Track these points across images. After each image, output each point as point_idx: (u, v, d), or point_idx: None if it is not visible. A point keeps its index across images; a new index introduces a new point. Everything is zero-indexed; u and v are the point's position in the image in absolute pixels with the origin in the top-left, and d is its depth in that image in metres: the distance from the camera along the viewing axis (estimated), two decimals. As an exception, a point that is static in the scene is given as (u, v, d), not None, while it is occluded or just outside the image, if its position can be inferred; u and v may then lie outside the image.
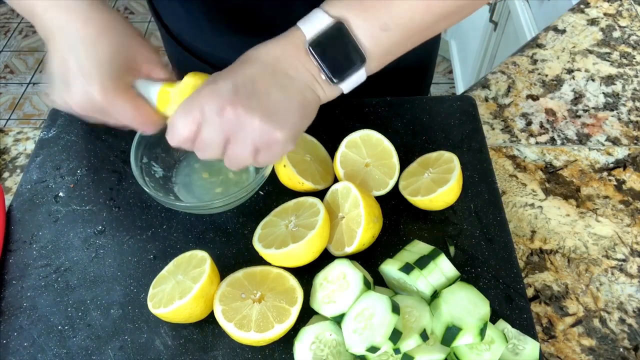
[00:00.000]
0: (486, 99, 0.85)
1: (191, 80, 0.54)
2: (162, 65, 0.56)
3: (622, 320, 0.62)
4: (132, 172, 0.64)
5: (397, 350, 0.52)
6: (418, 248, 0.60)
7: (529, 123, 0.82)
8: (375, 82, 0.85)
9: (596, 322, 0.62)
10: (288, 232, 0.60)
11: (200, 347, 0.58)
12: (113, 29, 0.53)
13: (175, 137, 0.52)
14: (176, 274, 0.58)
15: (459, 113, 0.77)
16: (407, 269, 0.56)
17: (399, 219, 0.67)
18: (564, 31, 0.95)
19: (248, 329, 0.54)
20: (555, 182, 0.74)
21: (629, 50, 0.92)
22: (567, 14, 0.99)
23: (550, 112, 0.83)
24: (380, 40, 0.52)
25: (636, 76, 0.88)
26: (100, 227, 0.67)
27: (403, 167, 0.69)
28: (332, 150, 0.70)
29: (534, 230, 0.69)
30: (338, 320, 0.55)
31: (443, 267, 0.57)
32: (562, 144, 0.79)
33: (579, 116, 0.82)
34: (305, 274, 0.61)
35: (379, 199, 0.66)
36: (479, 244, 0.64)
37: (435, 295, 0.56)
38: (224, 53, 0.79)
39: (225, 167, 0.70)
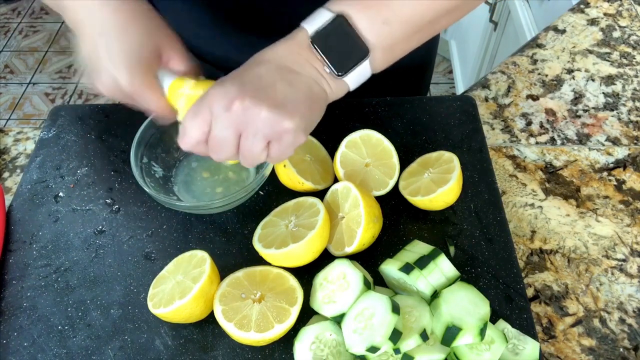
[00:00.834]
0: (486, 99, 0.85)
1: (200, 88, 0.55)
2: (184, 57, 0.57)
3: (622, 320, 0.62)
4: (132, 172, 0.64)
5: (397, 350, 0.52)
6: (418, 248, 0.60)
7: (529, 123, 0.82)
8: (375, 82, 0.85)
9: (596, 322, 0.62)
10: (288, 232, 0.60)
11: (200, 347, 0.58)
12: (142, 18, 0.54)
13: (187, 140, 0.52)
14: (176, 274, 0.58)
15: (459, 113, 0.77)
16: (407, 269, 0.56)
17: (399, 219, 0.67)
18: (564, 31, 0.95)
19: (248, 329, 0.54)
20: (555, 182, 0.74)
21: (629, 50, 0.92)
22: (567, 14, 0.99)
23: (550, 112, 0.83)
24: (382, 33, 0.52)
25: (636, 76, 0.88)
26: (100, 227, 0.67)
27: (403, 167, 0.69)
28: (332, 150, 0.70)
29: (534, 230, 0.69)
30: (338, 320, 0.55)
31: (443, 267, 0.57)
32: (562, 144, 0.79)
33: (579, 116, 0.82)
34: (305, 274, 0.61)
35: (379, 199, 0.66)
36: (479, 244, 0.64)
37: (435, 295, 0.56)
38: (225, 52, 0.79)
39: (225, 166, 0.71)
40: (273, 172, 0.68)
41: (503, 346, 0.53)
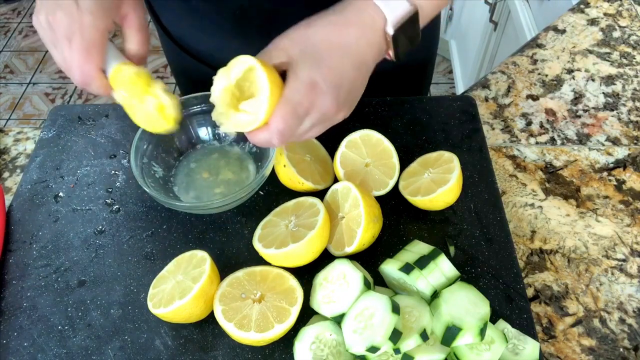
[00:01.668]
0: (486, 99, 0.85)
1: (127, 72, 0.54)
2: (140, 21, 0.56)
3: (622, 320, 0.62)
4: (132, 172, 0.64)
5: (397, 350, 0.52)
6: (418, 248, 0.60)
7: (529, 123, 0.82)
8: (376, 82, 0.85)
9: (596, 322, 0.62)
10: (288, 232, 0.60)
11: (200, 347, 0.58)
12: None
13: (280, 139, 0.52)
14: (176, 274, 0.58)
15: (459, 113, 0.77)
16: (407, 269, 0.56)
17: (399, 219, 0.67)
18: (564, 31, 0.95)
19: (248, 329, 0.54)
20: (555, 182, 0.74)
21: (629, 50, 0.92)
22: (567, 14, 0.99)
23: (550, 112, 0.83)
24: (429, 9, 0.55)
25: (636, 76, 0.88)
26: (100, 227, 0.67)
27: (403, 167, 0.69)
28: (332, 150, 0.70)
29: (534, 230, 0.69)
30: (338, 320, 0.55)
31: (443, 267, 0.57)
32: (562, 144, 0.79)
33: (579, 116, 0.82)
34: (305, 274, 0.61)
35: (379, 199, 0.66)
36: (479, 244, 0.64)
37: (435, 295, 0.56)
38: (222, 53, 0.79)
39: (225, 167, 0.71)
40: (273, 172, 0.68)
41: (503, 346, 0.53)
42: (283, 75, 0.51)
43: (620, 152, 0.77)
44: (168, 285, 0.58)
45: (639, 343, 0.60)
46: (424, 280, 0.56)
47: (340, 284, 0.57)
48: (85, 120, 0.78)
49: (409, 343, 0.51)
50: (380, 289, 0.59)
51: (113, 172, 0.72)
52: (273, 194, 0.69)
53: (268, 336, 0.54)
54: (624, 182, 0.74)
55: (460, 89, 2.18)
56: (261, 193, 0.69)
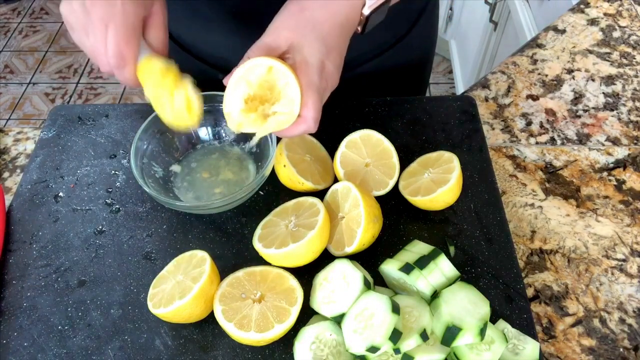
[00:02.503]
0: (486, 99, 0.85)
1: (156, 65, 0.55)
2: (164, 23, 0.57)
3: (622, 320, 0.62)
4: (132, 172, 0.64)
5: (397, 350, 0.52)
6: (418, 248, 0.60)
7: (529, 123, 0.82)
8: (375, 82, 0.85)
9: (596, 322, 0.62)
10: (288, 232, 0.60)
11: (200, 347, 0.58)
12: None
13: (312, 125, 0.54)
14: (176, 274, 0.58)
15: (459, 113, 0.77)
16: (407, 269, 0.56)
17: (399, 219, 0.67)
18: (564, 31, 0.95)
19: (248, 329, 0.54)
20: (555, 182, 0.74)
21: (629, 50, 0.92)
22: (567, 14, 0.99)
23: (550, 112, 0.83)
24: None
25: (636, 76, 0.88)
26: (100, 227, 0.67)
27: (403, 167, 0.69)
28: (332, 150, 0.70)
29: (534, 230, 0.69)
30: (338, 320, 0.55)
31: (443, 267, 0.57)
32: (562, 144, 0.79)
33: (579, 116, 0.82)
34: (305, 274, 0.61)
35: (379, 199, 0.66)
36: (479, 244, 0.64)
37: (435, 295, 0.56)
38: (222, 51, 0.79)
39: (225, 167, 0.71)
40: (273, 172, 0.68)
41: (503, 346, 0.53)
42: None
43: (620, 152, 0.77)
44: (168, 285, 0.58)
45: (639, 343, 0.60)
46: (424, 280, 0.56)
47: (340, 284, 0.57)
48: (85, 120, 0.78)
49: (409, 343, 0.51)
50: (380, 289, 0.59)
51: (113, 172, 0.72)
52: (273, 194, 0.69)
53: (268, 336, 0.54)
54: (624, 182, 0.74)
55: (460, 89, 2.18)
56: (261, 193, 0.69)
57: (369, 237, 0.61)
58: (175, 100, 0.55)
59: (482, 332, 0.51)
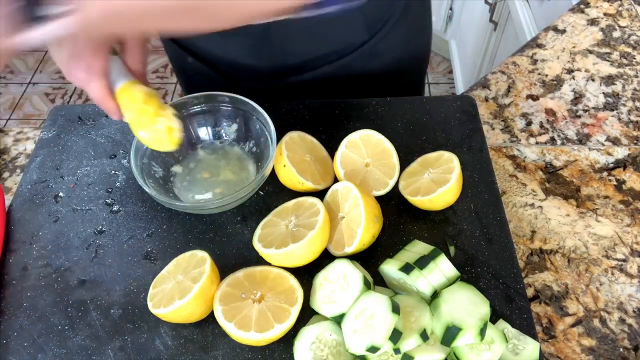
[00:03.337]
0: (486, 99, 0.85)
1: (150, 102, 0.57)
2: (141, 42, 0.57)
3: (622, 320, 0.62)
4: (132, 172, 0.64)
5: (397, 350, 0.52)
6: (418, 248, 0.60)
7: (529, 123, 0.82)
8: (369, 84, 0.85)
9: (596, 322, 0.62)
10: (288, 232, 0.60)
11: (200, 347, 0.58)
12: None
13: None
14: (176, 274, 0.58)
15: (459, 113, 0.77)
16: (407, 269, 0.56)
17: (399, 219, 0.67)
18: (564, 31, 0.95)
19: (248, 329, 0.54)
20: (555, 182, 0.74)
21: (629, 50, 0.92)
22: (567, 14, 0.99)
23: (550, 112, 0.83)
24: None
25: (636, 76, 0.88)
26: (100, 227, 0.67)
27: (403, 167, 0.69)
28: (332, 150, 0.70)
29: (534, 230, 0.69)
30: (338, 320, 0.55)
31: (443, 267, 0.57)
32: (562, 144, 0.79)
33: (579, 116, 0.82)
34: (305, 274, 0.61)
35: (379, 199, 0.66)
36: (479, 244, 0.64)
37: (435, 295, 0.56)
38: (223, 51, 0.79)
39: (225, 167, 0.71)
40: (273, 172, 0.68)
41: (503, 346, 0.53)
42: None
43: (620, 152, 0.77)
44: (168, 285, 0.58)
45: (639, 343, 0.60)
46: (424, 280, 0.56)
47: (340, 284, 0.57)
48: (85, 120, 0.78)
49: (409, 343, 0.51)
50: (380, 289, 0.59)
51: (113, 172, 0.72)
52: (273, 194, 0.69)
53: (268, 336, 0.54)
54: (624, 182, 0.74)
55: (460, 89, 2.18)
56: (261, 193, 0.69)
57: (369, 237, 0.61)
58: (157, 126, 0.57)
59: (482, 332, 0.51)
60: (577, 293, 0.64)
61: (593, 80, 0.87)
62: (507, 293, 0.60)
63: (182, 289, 0.56)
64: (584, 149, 0.78)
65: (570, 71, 0.89)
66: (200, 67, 0.82)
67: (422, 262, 0.57)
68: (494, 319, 0.58)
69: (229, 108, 0.70)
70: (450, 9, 2.20)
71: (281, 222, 0.62)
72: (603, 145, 0.78)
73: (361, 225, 0.59)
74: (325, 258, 0.61)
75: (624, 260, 0.67)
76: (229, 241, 0.65)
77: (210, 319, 0.58)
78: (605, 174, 0.75)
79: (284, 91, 0.83)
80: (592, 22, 0.97)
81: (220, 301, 0.56)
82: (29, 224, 0.67)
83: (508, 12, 1.63)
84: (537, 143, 0.79)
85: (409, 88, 0.92)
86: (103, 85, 0.54)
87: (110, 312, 0.60)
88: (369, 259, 0.63)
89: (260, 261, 0.61)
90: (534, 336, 0.57)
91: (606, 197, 0.72)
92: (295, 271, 0.60)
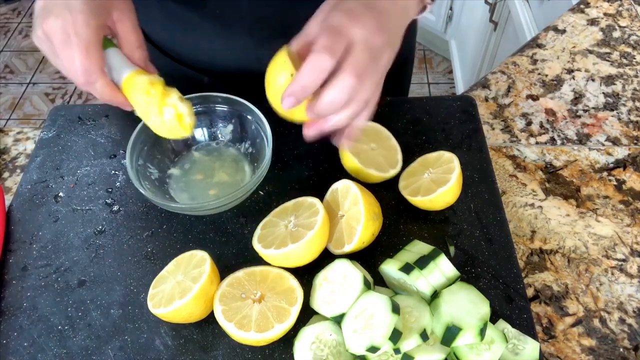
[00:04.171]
0: (486, 99, 0.85)
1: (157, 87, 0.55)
2: (134, 23, 0.55)
3: (622, 320, 0.62)
4: (128, 174, 0.63)
5: (397, 350, 0.52)
6: (418, 248, 0.60)
7: (529, 123, 0.82)
8: None
9: (596, 322, 0.62)
10: (287, 232, 0.60)
11: (200, 347, 0.58)
12: None
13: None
14: (176, 274, 0.58)
15: (459, 113, 0.77)
16: (407, 269, 0.56)
17: (399, 219, 0.67)
18: (564, 31, 0.95)
19: (248, 329, 0.54)
20: (555, 182, 0.74)
21: (629, 50, 0.92)
22: (567, 14, 0.99)
23: (550, 112, 0.83)
24: None
25: (636, 76, 0.88)
26: (100, 227, 0.67)
27: (403, 167, 0.69)
28: (332, 148, 0.70)
29: (534, 230, 0.69)
30: (338, 320, 0.55)
31: (443, 267, 0.57)
32: (562, 144, 0.79)
33: (579, 116, 0.82)
34: (305, 274, 0.61)
35: (378, 197, 0.66)
36: (479, 244, 0.64)
37: (435, 295, 0.56)
38: (204, 54, 0.78)
39: (220, 168, 0.70)
40: (273, 172, 0.68)
41: (503, 346, 0.53)
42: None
43: (620, 152, 0.77)
44: (168, 285, 0.58)
45: (639, 343, 0.60)
46: (424, 280, 0.56)
47: (340, 284, 0.57)
48: (85, 120, 0.78)
49: (409, 343, 0.51)
50: (380, 289, 0.59)
51: (113, 172, 0.72)
52: (273, 194, 0.69)
53: (268, 336, 0.54)
54: (624, 182, 0.74)
55: (460, 89, 2.18)
56: (261, 193, 0.69)
57: (368, 234, 0.61)
58: (164, 114, 0.56)
59: (482, 332, 0.51)
60: (577, 293, 0.64)
61: (593, 80, 0.87)
62: (507, 293, 0.60)
63: (182, 289, 0.56)
64: (584, 149, 0.78)
65: (570, 71, 0.89)
66: (182, 70, 0.81)
67: (422, 262, 0.57)
68: (494, 319, 0.58)
69: (225, 109, 0.70)
70: (450, 9, 2.20)
71: (281, 222, 0.62)
72: (603, 145, 0.78)
73: (361, 222, 0.59)
74: (325, 258, 0.61)
75: (624, 260, 0.67)
76: (229, 241, 0.66)
77: (210, 319, 0.58)
78: (605, 174, 0.75)
79: None
80: (592, 22, 0.97)
81: (220, 301, 0.56)
82: (29, 224, 0.67)
83: (508, 12, 1.63)
84: (537, 143, 0.79)
85: (392, 91, 0.91)
86: (105, 83, 0.53)
87: (110, 312, 0.60)
88: (369, 259, 0.63)
89: (260, 261, 0.61)
90: (534, 336, 0.57)
91: (606, 197, 0.72)
92: (295, 271, 0.60)
